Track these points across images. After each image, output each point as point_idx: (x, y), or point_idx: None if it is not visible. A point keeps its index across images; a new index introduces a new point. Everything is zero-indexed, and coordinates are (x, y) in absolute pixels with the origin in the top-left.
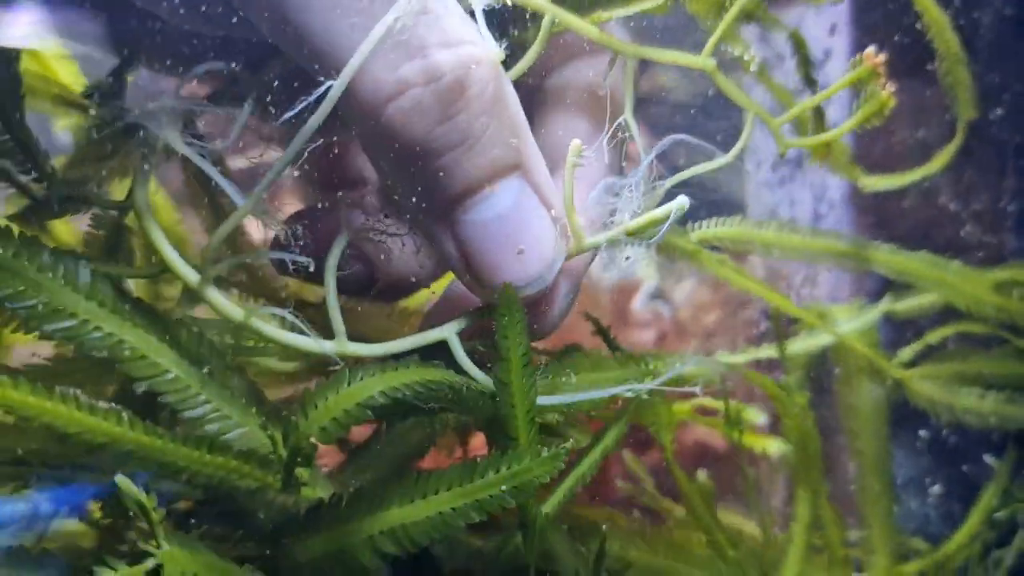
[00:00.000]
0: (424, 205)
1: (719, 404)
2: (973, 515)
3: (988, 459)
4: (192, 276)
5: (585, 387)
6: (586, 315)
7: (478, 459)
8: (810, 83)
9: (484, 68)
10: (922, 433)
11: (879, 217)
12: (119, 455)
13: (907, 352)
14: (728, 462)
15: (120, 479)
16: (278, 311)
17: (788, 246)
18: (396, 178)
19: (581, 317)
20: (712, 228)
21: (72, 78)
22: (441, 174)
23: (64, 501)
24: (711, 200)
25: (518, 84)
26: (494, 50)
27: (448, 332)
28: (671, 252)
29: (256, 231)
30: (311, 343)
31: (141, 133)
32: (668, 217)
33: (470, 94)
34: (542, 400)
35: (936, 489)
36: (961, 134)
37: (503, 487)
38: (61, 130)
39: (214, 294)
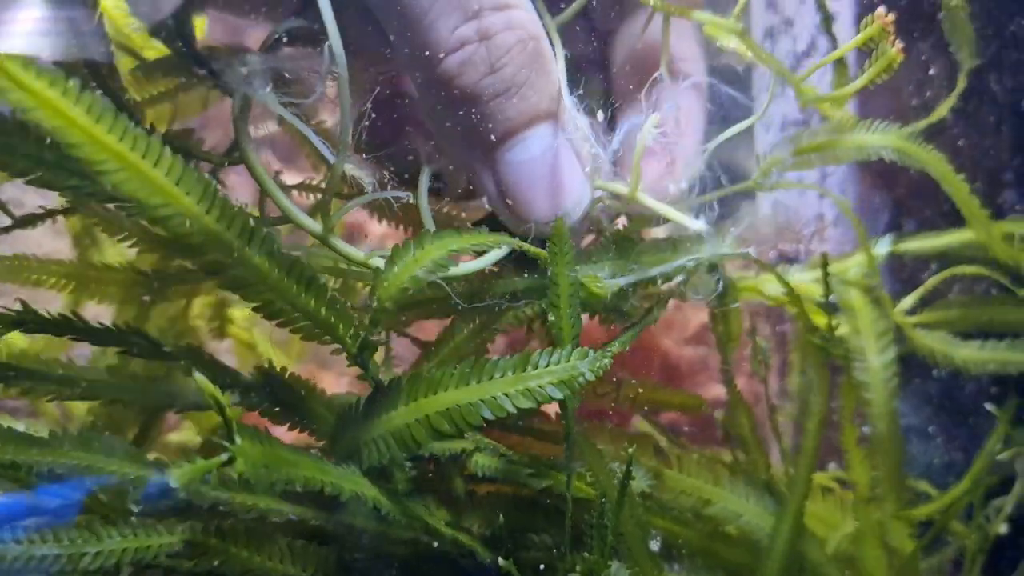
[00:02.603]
0: (469, 146)
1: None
2: (977, 460)
3: (989, 407)
4: (314, 225)
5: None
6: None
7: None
8: (831, 36)
9: (529, 28)
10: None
11: (882, 175)
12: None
13: (909, 300)
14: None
15: (197, 375)
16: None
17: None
18: (446, 123)
19: None
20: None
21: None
22: (486, 118)
23: (60, 496)
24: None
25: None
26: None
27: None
28: None
29: None
30: None
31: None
32: None
33: (515, 50)
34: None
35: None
36: (963, 82)
37: (551, 380)
38: None
39: (337, 241)
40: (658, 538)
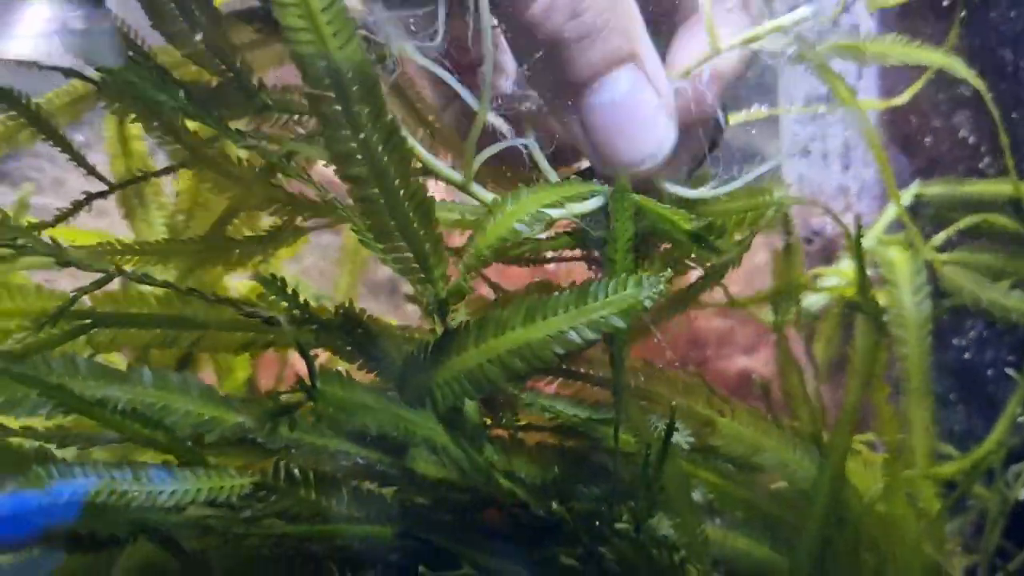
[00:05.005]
0: (558, 93)
1: None
2: (999, 423)
3: (1010, 372)
4: (455, 176)
5: None
6: None
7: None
8: None
9: None
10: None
11: (905, 149)
12: None
13: (940, 237)
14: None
15: (281, 319)
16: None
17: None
18: (534, 70)
19: None
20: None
21: None
22: (570, 62)
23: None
24: (745, 140)
25: None
26: None
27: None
28: None
29: None
30: None
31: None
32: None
33: None
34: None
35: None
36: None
37: (613, 310)
38: None
39: (478, 188)
40: (699, 489)
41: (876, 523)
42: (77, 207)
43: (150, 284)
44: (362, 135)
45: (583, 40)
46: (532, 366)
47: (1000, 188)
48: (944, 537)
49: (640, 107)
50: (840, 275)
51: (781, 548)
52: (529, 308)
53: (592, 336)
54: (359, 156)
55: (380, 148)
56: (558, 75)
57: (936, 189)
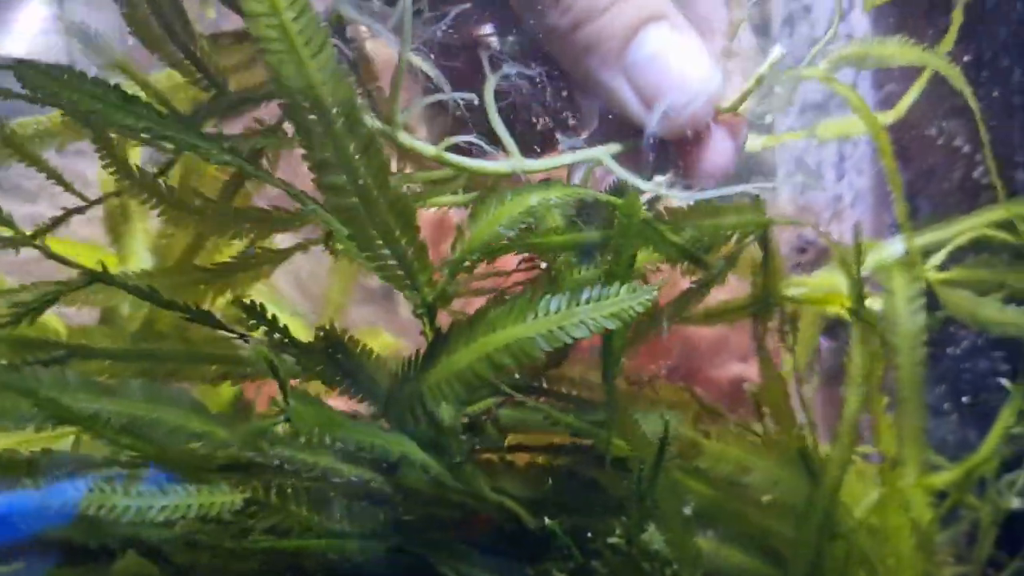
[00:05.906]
0: (600, 63)
1: None
2: (992, 433)
3: (1004, 382)
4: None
5: None
6: None
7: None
8: None
9: None
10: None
11: (898, 157)
12: None
13: (938, 257)
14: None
15: (255, 345)
16: (465, 138)
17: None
18: (574, 52)
19: None
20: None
21: None
22: (605, 28)
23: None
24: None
25: None
26: None
27: (603, 152)
28: None
29: None
30: (494, 165)
31: None
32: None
33: None
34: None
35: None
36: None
37: (603, 313)
38: None
39: (404, 135)
40: (691, 503)
41: (868, 535)
42: (55, 222)
43: (139, 296)
44: (338, 145)
45: (614, 6)
46: (520, 363)
47: (992, 216)
48: (936, 548)
49: (680, 52)
50: (814, 285)
51: (772, 561)
52: (520, 307)
53: (581, 335)
54: (336, 165)
55: (357, 157)
56: (596, 46)
57: (928, 237)
